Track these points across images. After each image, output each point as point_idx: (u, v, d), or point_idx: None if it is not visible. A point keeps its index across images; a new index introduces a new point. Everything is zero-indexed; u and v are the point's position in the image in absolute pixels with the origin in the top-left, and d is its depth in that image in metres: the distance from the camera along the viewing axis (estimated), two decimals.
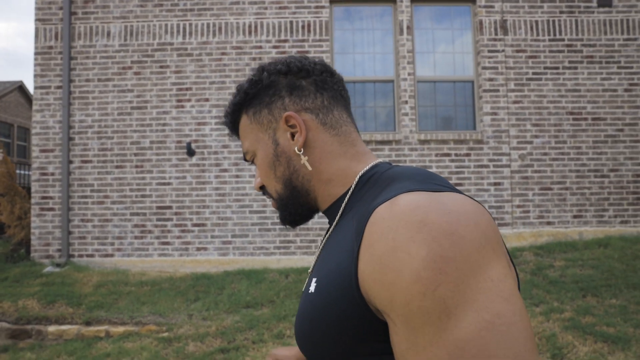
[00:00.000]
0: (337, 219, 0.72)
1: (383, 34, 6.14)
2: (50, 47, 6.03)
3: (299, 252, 5.78)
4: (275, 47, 5.96)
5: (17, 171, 11.87)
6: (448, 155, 5.86)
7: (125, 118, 5.93)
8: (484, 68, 5.91)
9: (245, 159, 0.84)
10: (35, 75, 6.00)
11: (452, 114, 6.09)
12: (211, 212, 5.82)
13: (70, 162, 5.92)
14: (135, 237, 5.83)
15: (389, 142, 5.87)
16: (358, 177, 0.72)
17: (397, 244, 0.52)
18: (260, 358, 3.69)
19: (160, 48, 5.98)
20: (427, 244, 0.50)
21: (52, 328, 4.38)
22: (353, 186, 0.72)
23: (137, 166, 5.89)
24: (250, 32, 5.98)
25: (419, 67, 6.05)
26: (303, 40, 5.96)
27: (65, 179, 5.85)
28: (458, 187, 5.75)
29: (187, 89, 5.93)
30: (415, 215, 0.53)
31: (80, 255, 5.85)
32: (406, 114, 5.88)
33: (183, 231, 5.81)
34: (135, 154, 5.90)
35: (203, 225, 5.81)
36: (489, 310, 0.48)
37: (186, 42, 5.98)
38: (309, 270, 0.78)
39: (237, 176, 5.86)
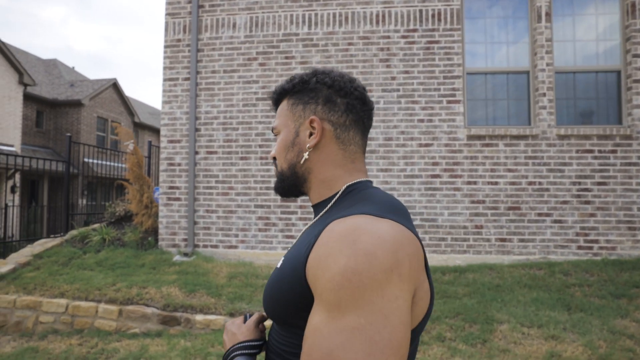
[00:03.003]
0: (319, 217, 0.88)
1: (517, 22, 5.68)
2: (179, 40, 6.00)
3: (428, 250, 5.44)
4: (403, 37, 5.64)
5: (110, 163, 12.29)
6: (590, 151, 5.33)
7: (250, 109, 5.81)
8: (635, 56, 5.32)
9: (272, 131, 1.00)
10: (164, 68, 6.00)
11: (594, 107, 5.55)
12: None
13: (196, 152, 5.87)
14: (259, 230, 5.69)
15: (524, 137, 5.41)
16: (345, 186, 0.88)
17: (330, 252, 0.70)
18: None
19: (286, 39, 5.81)
20: (347, 258, 0.67)
21: (199, 317, 4.28)
22: (339, 193, 0.87)
23: (262, 158, 5.76)
24: (377, 22, 5.69)
25: (557, 57, 5.55)
26: (433, 30, 5.61)
27: (191, 169, 5.80)
28: (602, 186, 5.22)
29: None
30: (351, 235, 0.70)
31: (205, 246, 5.79)
32: (544, 107, 5.40)
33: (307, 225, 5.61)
34: (260, 146, 5.77)
35: None
36: (367, 317, 0.64)
37: (312, 32, 5.78)
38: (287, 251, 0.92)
39: None
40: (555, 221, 5.31)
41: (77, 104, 16.83)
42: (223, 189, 5.80)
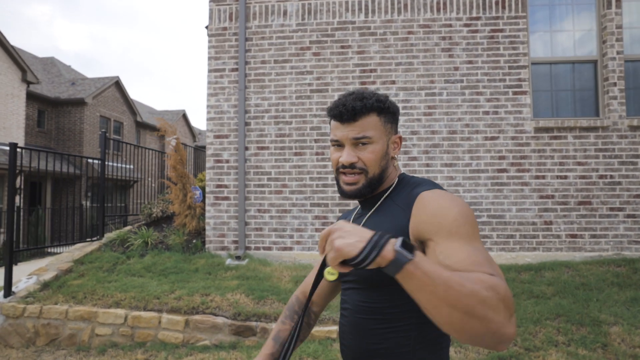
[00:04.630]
0: (377, 204, 1.15)
1: (583, 8, 5.37)
2: (225, 29, 5.55)
3: (496, 247, 5.09)
4: (466, 25, 5.28)
5: (112, 164, 11.70)
6: None
7: (304, 102, 5.39)
8: None
9: (356, 138, 1.11)
10: (210, 58, 5.54)
11: None
12: None
13: (246, 148, 5.43)
14: (317, 230, 5.28)
15: (594, 129, 5.10)
16: (397, 179, 1.18)
17: (442, 204, 0.97)
18: None
19: (341, 27, 5.40)
20: (459, 205, 0.96)
21: None
22: (394, 184, 1.16)
23: (317, 153, 5.35)
24: (438, 9, 5.32)
25: (627, 45, 5.25)
26: (497, 18, 5.26)
27: (241, 166, 5.36)
28: None
29: (371, 71, 5.33)
30: (447, 195, 1.01)
31: (257, 248, 5.36)
32: (614, 97, 5.10)
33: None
34: (316, 140, 5.36)
35: None
36: (478, 239, 0.93)
37: (369, 20, 5.38)
38: (362, 223, 1.18)
39: (427, 165, 5.23)
40: (629, 216, 5.01)
41: (80, 103, 16.11)
42: (276, 187, 5.37)
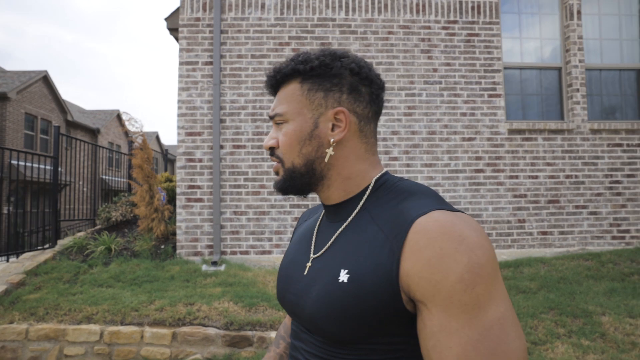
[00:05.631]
0: (352, 216, 0.78)
1: (549, 18, 5.63)
2: (198, 19, 5.16)
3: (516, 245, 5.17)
4: (444, 28, 5.34)
5: (40, 166, 10.69)
6: (620, 145, 5.42)
7: None
8: None
9: (271, 117, 0.83)
10: (181, 50, 5.12)
11: (620, 103, 5.66)
12: None
13: (221, 147, 5.08)
14: None
15: (561, 132, 5.36)
16: (374, 180, 0.79)
17: (444, 252, 0.63)
18: None
19: (321, 24, 5.24)
20: (468, 254, 0.62)
21: (275, 334, 3.59)
22: (370, 188, 0.79)
23: None
24: (418, 11, 5.33)
25: (587, 54, 5.59)
26: (473, 22, 5.37)
27: (216, 166, 5.00)
28: (630, 178, 5.32)
29: None
30: (455, 230, 0.64)
31: (234, 252, 5.02)
32: (577, 102, 5.40)
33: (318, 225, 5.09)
34: None
35: None
36: (503, 304, 0.63)
37: (349, 18, 5.26)
38: (312, 255, 0.81)
39: (407, 165, 5.19)
40: (591, 213, 5.31)
41: (1, 98, 14.46)
42: (253, 188, 5.07)
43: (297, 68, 0.79)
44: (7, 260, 5.06)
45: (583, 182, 5.33)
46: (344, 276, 0.71)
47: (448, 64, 5.30)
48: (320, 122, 0.78)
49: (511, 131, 5.30)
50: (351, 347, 0.70)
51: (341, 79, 0.78)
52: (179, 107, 5.09)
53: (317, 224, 0.88)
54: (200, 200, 5.04)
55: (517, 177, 5.28)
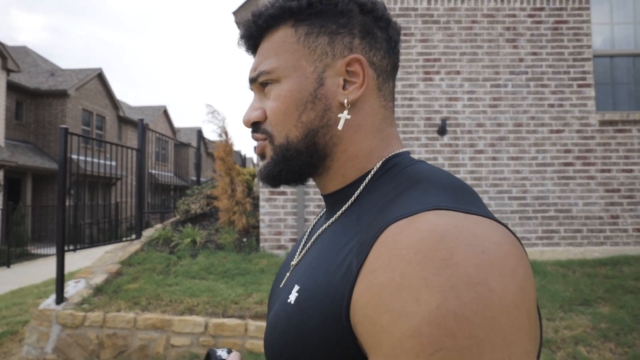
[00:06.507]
0: (341, 210, 0.56)
1: None
2: None
3: (563, 242, 4.96)
4: (530, 15, 5.10)
5: (95, 160, 10.96)
6: None
7: None
8: None
9: (252, 80, 0.59)
10: None
11: None
12: None
13: None
14: None
15: None
16: (380, 162, 0.56)
17: (404, 282, 0.39)
18: None
19: (403, 13, 5.10)
20: (443, 293, 0.37)
21: None
22: (372, 173, 0.56)
23: None
24: None
25: None
26: (561, 9, 5.11)
27: None
28: None
29: (435, 60, 5.06)
30: (438, 249, 0.39)
31: None
32: None
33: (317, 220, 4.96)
34: None
35: None
36: None
37: (432, 7, 5.10)
38: (292, 262, 0.61)
39: (493, 158, 5.02)
40: None
41: (61, 95, 15.00)
42: None
43: (288, 5, 0.57)
44: (74, 251, 5.18)
45: None
46: (293, 295, 0.53)
47: (534, 53, 5.07)
48: (327, 77, 0.56)
49: (603, 122, 5.03)
50: None
51: (350, 19, 0.57)
52: None
53: (316, 220, 0.68)
54: (283, 193, 5.02)
55: (609, 170, 5.01)
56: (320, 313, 0.47)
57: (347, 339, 0.44)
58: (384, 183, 0.54)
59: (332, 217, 0.58)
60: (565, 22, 5.09)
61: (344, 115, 0.55)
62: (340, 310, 0.44)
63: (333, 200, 0.60)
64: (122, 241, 5.09)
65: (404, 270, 0.39)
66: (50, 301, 3.88)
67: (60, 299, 3.82)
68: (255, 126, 0.60)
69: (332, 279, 0.47)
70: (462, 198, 0.48)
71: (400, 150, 0.59)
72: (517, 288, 0.39)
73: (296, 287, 0.53)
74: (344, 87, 0.56)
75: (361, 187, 0.56)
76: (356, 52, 0.56)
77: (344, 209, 0.56)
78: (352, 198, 0.56)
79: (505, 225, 0.46)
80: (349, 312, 0.44)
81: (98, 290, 4.05)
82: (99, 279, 4.19)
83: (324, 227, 0.59)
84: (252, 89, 0.62)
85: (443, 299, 0.37)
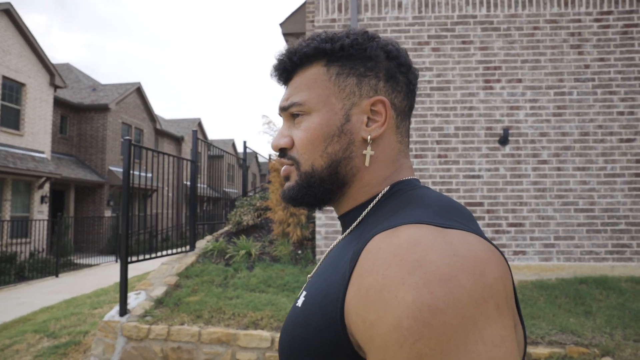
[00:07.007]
0: (352, 226, 0.62)
1: None
2: (333, 20, 5.08)
3: (636, 258, 4.66)
4: (596, 20, 4.89)
5: (138, 173, 11.08)
6: None
7: (424, 100, 4.93)
8: None
9: (283, 108, 0.66)
10: None
11: None
12: (529, 209, 4.75)
13: None
14: None
15: None
16: (388, 187, 0.62)
17: (385, 282, 0.44)
18: None
19: (462, 21, 4.97)
20: (417, 289, 0.42)
21: None
22: (380, 195, 0.62)
23: (440, 156, 4.87)
24: (566, 3, 4.92)
25: None
26: (631, 12, 4.88)
27: None
28: None
29: (495, 68, 4.90)
30: (412, 252, 0.45)
31: None
32: None
33: (497, 232, 4.75)
34: (438, 142, 4.88)
35: (520, 225, 4.75)
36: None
37: (491, 14, 4.96)
38: (309, 276, 0.67)
39: (558, 169, 4.79)
40: None
41: (103, 109, 15.42)
42: None
43: (322, 47, 0.63)
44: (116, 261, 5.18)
45: None
46: (301, 300, 0.59)
47: (601, 59, 4.84)
48: (353, 114, 0.62)
49: None
50: None
51: (377, 63, 0.63)
52: None
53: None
54: None
55: None
56: (319, 315, 0.52)
57: (342, 337, 0.49)
58: (386, 204, 0.60)
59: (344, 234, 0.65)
60: (635, 25, 4.86)
61: (368, 152, 0.61)
62: (336, 314, 0.50)
63: (345, 220, 0.65)
64: (176, 253, 5.07)
65: (384, 273, 0.45)
66: (114, 312, 3.85)
67: (124, 310, 3.78)
68: (283, 152, 0.65)
69: (331, 285, 0.53)
70: (446, 215, 0.52)
71: (409, 177, 0.64)
72: (485, 285, 0.43)
73: (304, 293, 0.59)
74: (367, 124, 0.62)
75: (368, 208, 0.61)
76: (380, 93, 0.63)
77: (352, 227, 0.62)
78: (360, 218, 0.62)
79: (491, 242, 0.50)
80: (344, 314, 0.49)
81: (159, 302, 4.00)
82: (158, 291, 4.15)
83: (335, 242, 0.65)
84: (281, 116, 0.67)
85: (418, 294, 0.42)
